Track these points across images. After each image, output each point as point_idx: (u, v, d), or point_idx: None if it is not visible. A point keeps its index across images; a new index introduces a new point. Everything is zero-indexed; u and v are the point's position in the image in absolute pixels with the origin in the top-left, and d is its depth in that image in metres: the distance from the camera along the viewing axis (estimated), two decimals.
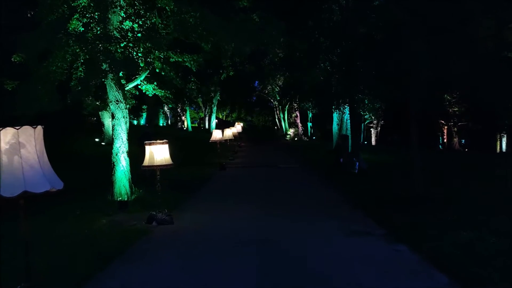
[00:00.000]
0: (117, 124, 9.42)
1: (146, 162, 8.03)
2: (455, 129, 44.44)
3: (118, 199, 9.36)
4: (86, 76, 8.22)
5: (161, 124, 53.84)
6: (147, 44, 8.33)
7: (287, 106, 44.80)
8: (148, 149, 8.01)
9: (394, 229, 7.53)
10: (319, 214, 8.84)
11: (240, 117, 60.09)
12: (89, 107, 8.73)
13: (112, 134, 9.51)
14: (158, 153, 7.99)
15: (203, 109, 46.81)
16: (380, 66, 9.86)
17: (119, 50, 8.39)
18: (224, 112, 60.42)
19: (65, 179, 3.91)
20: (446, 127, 44.23)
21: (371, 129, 46.05)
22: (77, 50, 8.12)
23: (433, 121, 42.61)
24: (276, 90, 43.78)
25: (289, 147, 32.43)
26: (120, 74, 9.51)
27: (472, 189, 11.10)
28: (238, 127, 34.42)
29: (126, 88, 9.61)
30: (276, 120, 50.85)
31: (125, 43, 8.31)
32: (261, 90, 48.49)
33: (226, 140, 20.88)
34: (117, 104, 9.35)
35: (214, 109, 44.66)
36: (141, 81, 9.80)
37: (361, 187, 11.99)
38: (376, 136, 46.24)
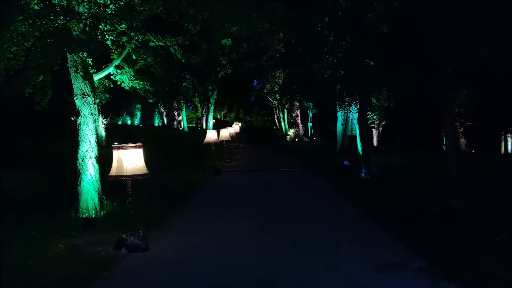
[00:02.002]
0: (84, 123, 7.62)
1: (114, 171, 6.23)
2: (462, 129, 42.75)
3: (84, 216, 7.56)
4: (37, 60, 6.40)
5: (156, 124, 52.16)
6: (115, 19, 6.54)
7: (287, 106, 42.99)
8: (116, 154, 6.22)
9: (436, 258, 5.76)
10: (335, 236, 7.05)
11: (238, 117, 58.26)
12: (43, 102, 6.88)
13: (78, 135, 7.70)
14: (128, 159, 6.19)
15: (200, 109, 45.05)
16: (409, 51, 8.04)
17: (90, 34, 6.61)
18: (222, 112, 58.58)
19: (32, 188, 2.19)
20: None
21: (373, 129, 44.35)
22: (26, 28, 6.31)
23: (437, 121, 40.93)
24: (276, 88, 42.00)
25: (290, 148, 30.67)
26: (89, 61, 7.73)
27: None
28: (235, 127, 32.58)
29: (95, 79, 7.82)
30: (276, 120, 49.06)
31: (89, 20, 6.51)
32: (260, 89, 46.69)
33: (222, 141, 19.07)
34: (83, 98, 7.55)
35: (211, 108, 42.84)
36: (114, 68, 7.98)
37: (378, 197, 10.25)
38: (378, 137, 44.59)
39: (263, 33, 36.55)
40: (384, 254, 6.05)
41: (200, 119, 48.11)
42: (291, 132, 42.63)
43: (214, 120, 44.84)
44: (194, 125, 56.91)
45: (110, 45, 6.99)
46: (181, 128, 46.83)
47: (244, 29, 9.20)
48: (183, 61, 8.26)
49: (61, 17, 6.18)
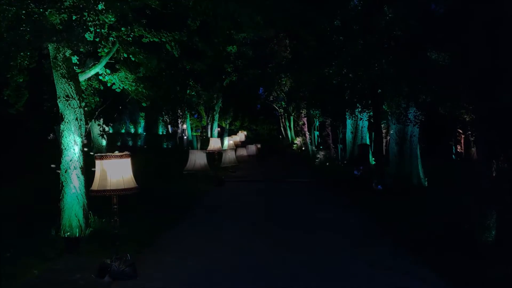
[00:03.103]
0: (67, 129, 6.72)
1: (96, 184, 5.32)
2: (473, 138, 41.63)
3: (66, 235, 6.63)
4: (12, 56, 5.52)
5: (160, 133, 51.29)
6: (101, 9, 5.67)
7: (293, 114, 42.04)
8: (99, 165, 5.31)
9: None
10: (353, 259, 6.06)
11: (244, 126, 57.39)
12: (19, 105, 6.01)
13: (61, 143, 6.80)
14: (113, 171, 5.28)
15: (205, 117, 44.23)
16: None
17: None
18: (228, 120, 57.70)
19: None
20: (463, 136, 41.40)
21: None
22: None
23: (445, 130, 39.96)
24: (282, 96, 41.13)
25: (296, 157, 29.74)
26: (75, 60, 6.86)
27: None
28: (241, 136, 31.75)
29: (81, 79, 6.93)
30: (282, 128, 48.13)
31: (71, 10, 5.64)
32: (266, 96, 45.83)
33: (226, 150, 18.17)
34: (67, 100, 6.66)
35: (216, 116, 41.97)
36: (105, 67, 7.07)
37: (396, 212, 9.21)
38: (386, 145, 43.47)
39: (269, 39, 35.87)
40: (411, 283, 5.10)
41: (205, 127, 47.19)
42: (297, 140, 41.65)
43: (219, 129, 43.97)
44: (199, 133, 55.97)
45: (93, 39, 6.09)
46: (185, 137, 45.97)
47: (248, 30, 8.31)
48: (176, 55, 7.37)
49: (34, 5, 5.30)
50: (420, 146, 13.94)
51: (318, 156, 25.72)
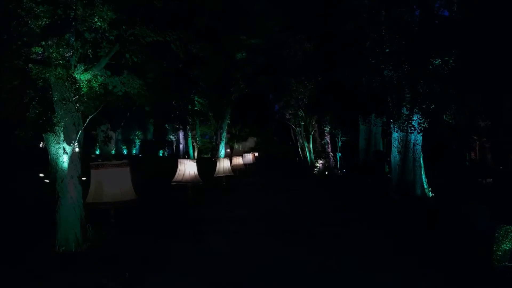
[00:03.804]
0: (63, 134, 6.22)
1: (91, 195, 4.82)
2: (488, 145, 40.69)
3: (61, 250, 6.11)
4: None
5: (168, 139, 51.03)
6: (97, 5, 5.15)
7: (307, 120, 41.32)
8: (94, 175, 4.80)
9: None
10: None
11: (253, 132, 56.85)
12: (8, 108, 5.54)
13: (55, 150, 6.29)
14: (110, 182, 4.77)
15: (215, 123, 43.83)
16: None
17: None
18: (237, 127, 57.20)
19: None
20: (478, 143, 40.46)
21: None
22: None
23: (456, 136, 39.01)
24: (292, 103, 40.51)
25: (296, 166, 29.19)
26: (73, 61, 6.37)
27: None
28: (250, 141, 31.27)
29: (79, 81, 6.43)
30: (292, 135, 47.41)
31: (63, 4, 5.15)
32: (276, 102, 45.21)
33: (220, 159, 17.63)
34: (63, 104, 6.18)
35: (225, 124, 41.52)
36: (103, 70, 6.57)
37: (428, 228, 8.42)
38: None
39: (279, 44, 35.39)
40: None
41: (215, 133, 46.78)
42: (308, 147, 40.90)
43: (228, 135, 43.50)
44: (208, 140, 55.59)
45: (91, 38, 5.59)
46: (181, 145, 45.67)
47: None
48: (181, 55, 6.88)
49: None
50: (425, 154, 13.16)
51: (317, 165, 24.98)
